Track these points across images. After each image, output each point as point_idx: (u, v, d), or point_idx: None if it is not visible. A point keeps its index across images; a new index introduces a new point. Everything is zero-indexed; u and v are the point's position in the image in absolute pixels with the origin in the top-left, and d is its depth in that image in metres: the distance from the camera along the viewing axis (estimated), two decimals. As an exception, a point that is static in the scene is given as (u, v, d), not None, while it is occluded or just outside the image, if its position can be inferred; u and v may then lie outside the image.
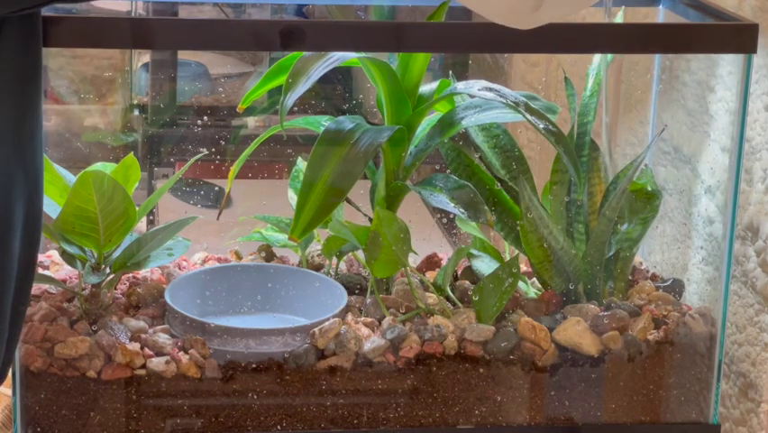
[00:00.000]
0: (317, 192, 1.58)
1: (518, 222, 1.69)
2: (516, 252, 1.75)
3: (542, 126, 1.61)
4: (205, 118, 2.72)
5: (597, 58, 1.77)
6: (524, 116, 1.61)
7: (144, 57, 2.96)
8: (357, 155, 1.59)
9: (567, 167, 1.67)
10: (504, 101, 1.64)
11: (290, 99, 1.54)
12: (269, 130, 1.76)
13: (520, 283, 1.76)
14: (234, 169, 1.76)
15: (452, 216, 1.80)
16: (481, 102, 1.70)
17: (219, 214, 1.77)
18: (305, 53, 1.59)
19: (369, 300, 1.71)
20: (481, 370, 1.65)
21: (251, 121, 2.80)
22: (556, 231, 1.67)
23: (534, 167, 1.82)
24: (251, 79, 2.95)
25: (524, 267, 1.79)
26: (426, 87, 1.74)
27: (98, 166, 1.71)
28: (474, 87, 1.68)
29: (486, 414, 1.66)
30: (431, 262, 1.83)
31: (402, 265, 1.68)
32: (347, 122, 1.64)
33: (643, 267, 1.87)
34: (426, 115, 1.72)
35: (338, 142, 1.60)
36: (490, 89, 1.65)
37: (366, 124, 1.64)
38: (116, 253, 1.67)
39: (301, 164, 1.83)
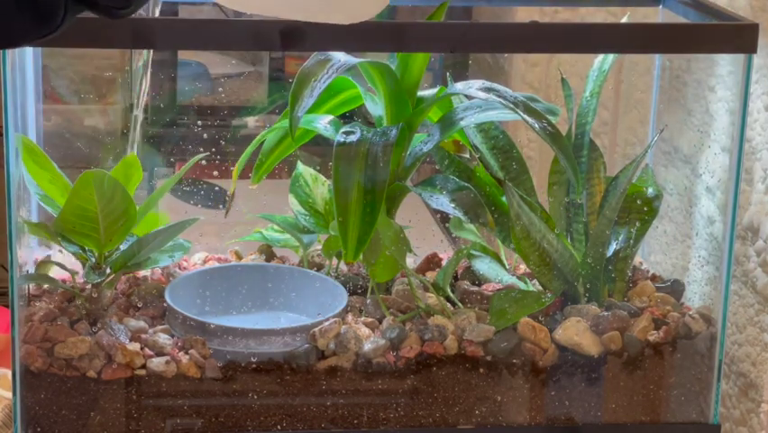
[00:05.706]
0: (354, 209, 1.57)
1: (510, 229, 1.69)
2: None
3: (537, 126, 1.60)
4: (206, 118, 2.71)
5: (598, 59, 1.77)
6: (521, 117, 1.61)
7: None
8: (376, 161, 1.59)
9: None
10: (502, 101, 1.63)
11: (300, 111, 1.53)
12: (270, 130, 1.76)
13: (520, 284, 1.76)
14: (237, 168, 1.76)
15: (451, 216, 1.80)
16: (481, 102, 1.69)
17: (227, 212, 1.77)
18: (306, 62, 1.59)
19: (369, 300, 1.71)
20: (481, 370, 1.65)
21: (251, 121, 2.80)
22: (549, 234, 1.66)
23: (534, 167, 1.82)
24: (252, 79, 2.95)
25: (524, 267, 1.79)
26: (425, 93, 1.73)
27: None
28: (473, 87, 1.68)
29: (486, 414, 1.66)
30: (431, 263, 1.83)
31: (400, 268, 1.68)
32: (351, 133, 1.63)
33: (643, 267, 1.86)
34: (426, 114, 1.72)
35: (354, 157, 1.59)
36: (489, 89, 1.65)
37: (366, 127, 1.64)
38: (117, 254, 1.67)
39: (301, 168, 1.83)
